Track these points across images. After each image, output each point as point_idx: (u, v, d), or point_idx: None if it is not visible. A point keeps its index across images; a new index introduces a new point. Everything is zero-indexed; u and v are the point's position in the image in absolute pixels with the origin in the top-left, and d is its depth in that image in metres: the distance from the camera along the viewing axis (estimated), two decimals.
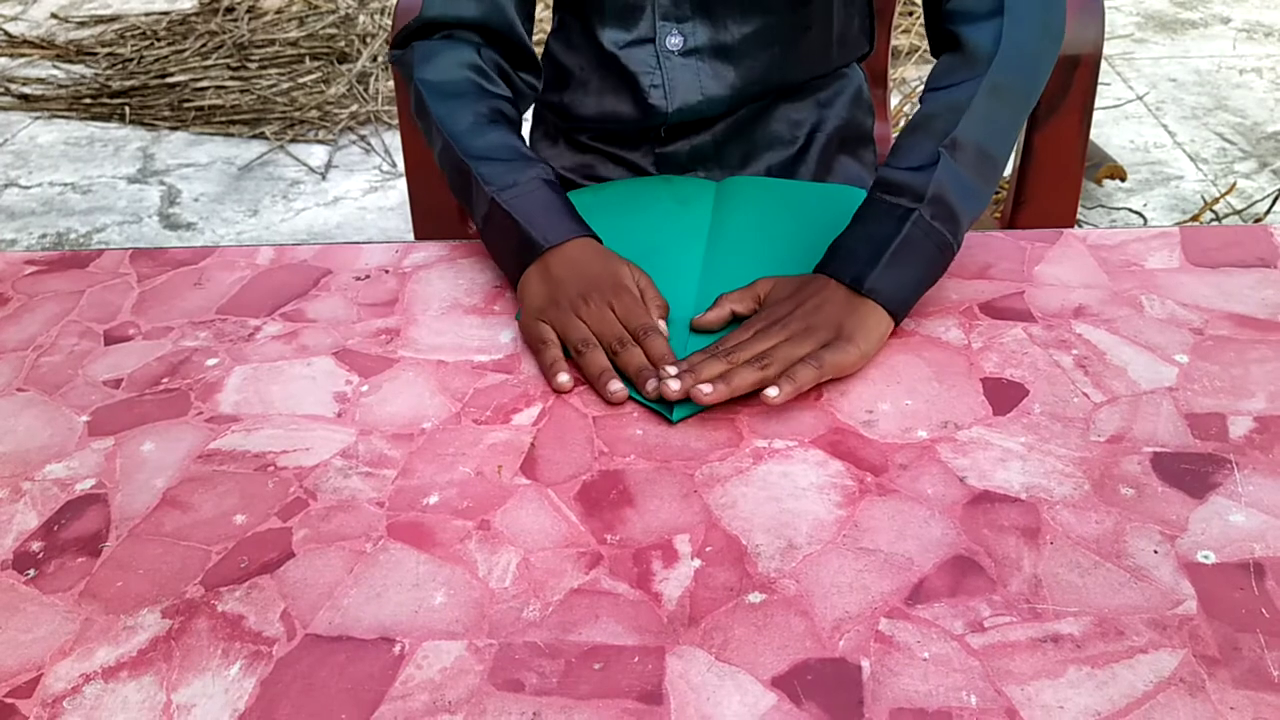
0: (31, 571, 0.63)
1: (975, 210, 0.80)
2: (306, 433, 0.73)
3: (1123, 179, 2.36)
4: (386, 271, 0.91)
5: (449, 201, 1.23)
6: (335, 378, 0.78)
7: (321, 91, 2.98)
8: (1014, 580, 0.59)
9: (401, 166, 2.63)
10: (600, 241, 0.85)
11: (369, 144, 2.78)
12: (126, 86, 3.04)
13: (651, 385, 0.72)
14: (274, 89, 2.98)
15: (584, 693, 0.54)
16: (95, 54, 3.26)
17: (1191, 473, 0.65)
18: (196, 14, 3.44)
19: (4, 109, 3.03)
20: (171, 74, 3.08)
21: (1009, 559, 0.60)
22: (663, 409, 0.72)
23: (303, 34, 3.24)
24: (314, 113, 2.88)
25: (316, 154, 2.74)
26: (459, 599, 0.59)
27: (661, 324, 0.78)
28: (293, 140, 2.80)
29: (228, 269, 0.92)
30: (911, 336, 0.79)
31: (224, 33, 3.26)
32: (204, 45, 3.22)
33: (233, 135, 2.84)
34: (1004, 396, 0.72)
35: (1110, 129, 2.66)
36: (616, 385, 0.73)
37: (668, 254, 0.89)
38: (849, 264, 0.77)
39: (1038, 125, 1.12)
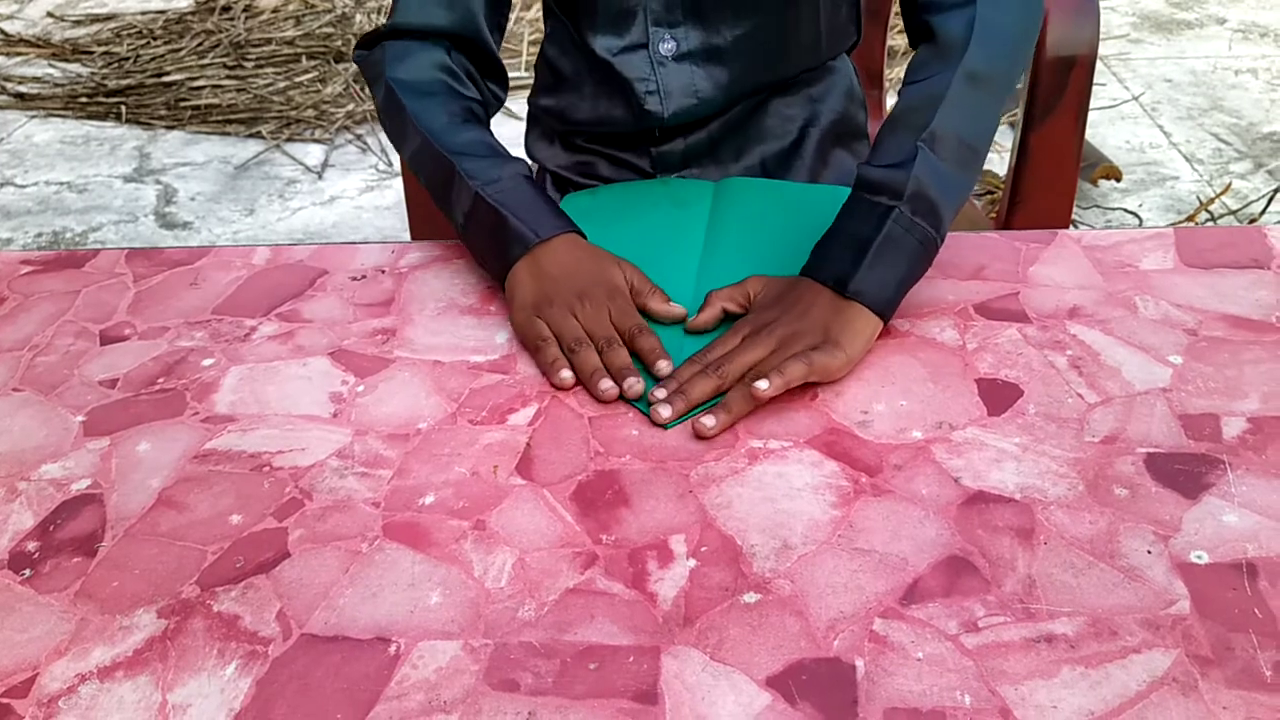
0: (27, 571, 0.63)
1: (957, 201, 0.80)
2: (302, 433, 0.73)
3: (1118, 179, 2.37)
4: (382, 271, 0.91)
5: None
6: (331, 378, 0.78)
7: (318, 91, 2.98)
8: (1008, 580, 0.59)
9: (397, 166, 2.63)
10: (585, 237, 0.85)
11: (365, 143, 2.77)
12: (122, 85, 3.04)
13: (629, 384, 0.74)
14: (270, 88, 2.98)
15: (579, 692, 0.54)
16: (91, 53, 3.26)
17: (1185, 473, 0.66)
18: (193, 13, 3.44)
19: (0, 108, 3.03)
20: (168, 73, 3.08)
21: (1003, 559, 0.60)
22: (647, 411, 0.73)
23: (299, 33, 3.24)
24: (310, 112, 2.88)
25: (313, 153, 2.74)
26: (454, 599, 0.59)
27: (673, 307, 0.81)
28: (289, 139, 2.80)
29: (224, 269, 0.92)
30: (906, 337, 0.79)
31: (220, 32, 3.26)
32: (200, 44, 3.21)
33: (229, 134, 2.84)
34: (998, 397, 0.73)
35: (1106, 129, 2.67)
36: (607, 384, 0.74)
37: (665, 257, 0.90)
38: (832, 266, 0.77)
39: (1033, 126, 1.12)
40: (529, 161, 0.90)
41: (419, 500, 0.66)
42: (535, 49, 3.06)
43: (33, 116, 2.99)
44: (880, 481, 0.66)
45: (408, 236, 1.27)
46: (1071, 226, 1.12)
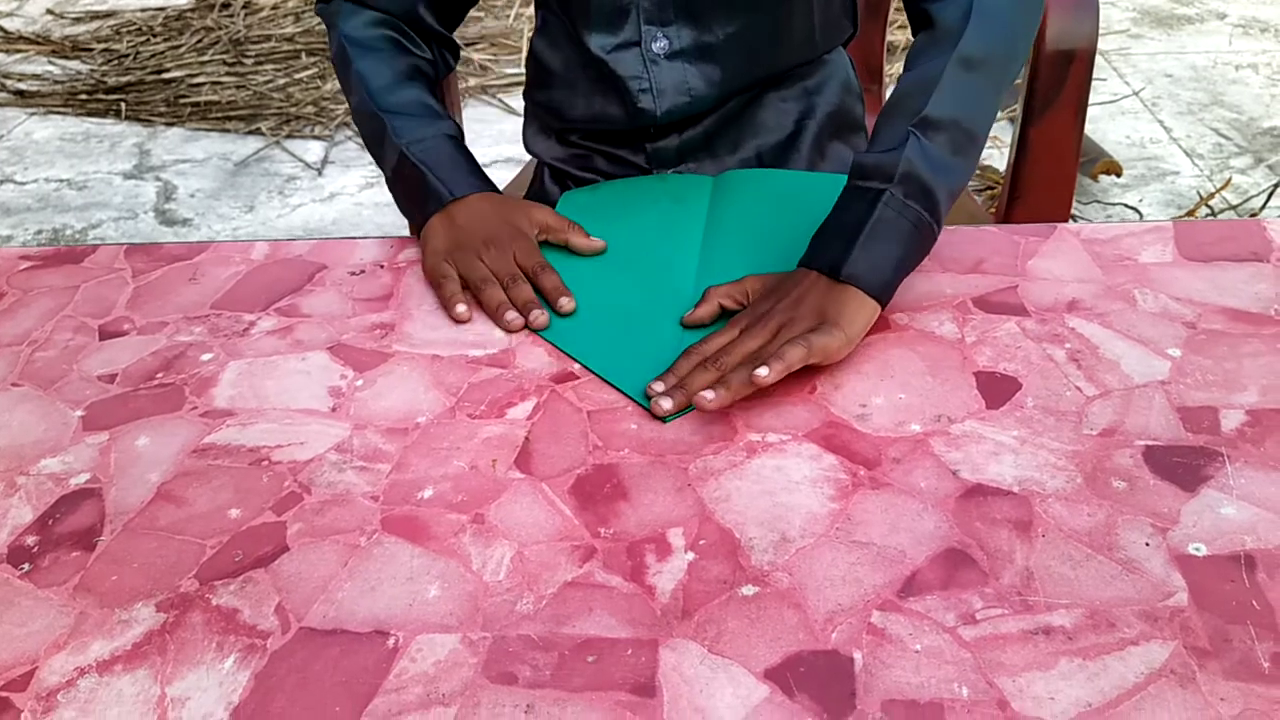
0: (26, 565, 0.63)
1: (953, 185, 0.79)
2: (301, 427, 0.73)
3: (1118, 174, 2.37)
4: (381, 266, 0.91)
5: None
6: (330, 372, 0.78)
7: (318, 87, 2.97)
8: (1006, 573, 0.59)
9: None
10: (500, 193, 0.91)
11: None
12: (122, 82, 3.04)
13: (534, 316, 0.81)
14: (270, 85, 2.98)
15: (577, 685, 0.54)
16: (91, 50, 3.26)
17: (1183, 466, 0.66)
18: (192, 10, 3.43)
19: (0, 105, 3.03)
20: (167, 70, 3.08)
21: (1001, 552, 0.60)
22: (648, 405, 0.73)
23: (299, 29, 3.24)
24: (310, 108, 2.87)
25: (313, 150, 2.74)
26: (453, 592, 0.60)
27: (593, 241, 0.89)
28: (289, 136, 2.80)
29: (222, 264, 0.92)
30: (905, 330, 0.79)
31: (220, 28, 3.26)
32: (200, 41, 3.21)
33: (229, 131, 2.84)
34: (997, 390, 0.73)
35: (1106, 124, 2.67)
36: (512, 315, 0.81)
37: (665, 252, 0.90)
38: (825, 253, 0.78)
39: (1032, 120, 1.12)
40: (458, 124, 0.97)
41: (418, 494, 0.67)
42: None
43: (32, 113, 2.98)
44: (878, 474, 0.66)
45: (406, 233, 1.27)
46: (1071, 221, 1.12)
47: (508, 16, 3.35)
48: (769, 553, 0.61)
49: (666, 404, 0.71)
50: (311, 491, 0.67)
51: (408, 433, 0.72)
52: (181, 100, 2.94)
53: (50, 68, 3.21)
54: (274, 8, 3.39)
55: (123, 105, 2.95)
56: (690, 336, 0.79)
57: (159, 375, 0.79)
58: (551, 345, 0.80)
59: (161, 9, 3.48)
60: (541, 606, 0.58)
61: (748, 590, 0.59)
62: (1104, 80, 2.88)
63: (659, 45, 0.98)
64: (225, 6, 3.42)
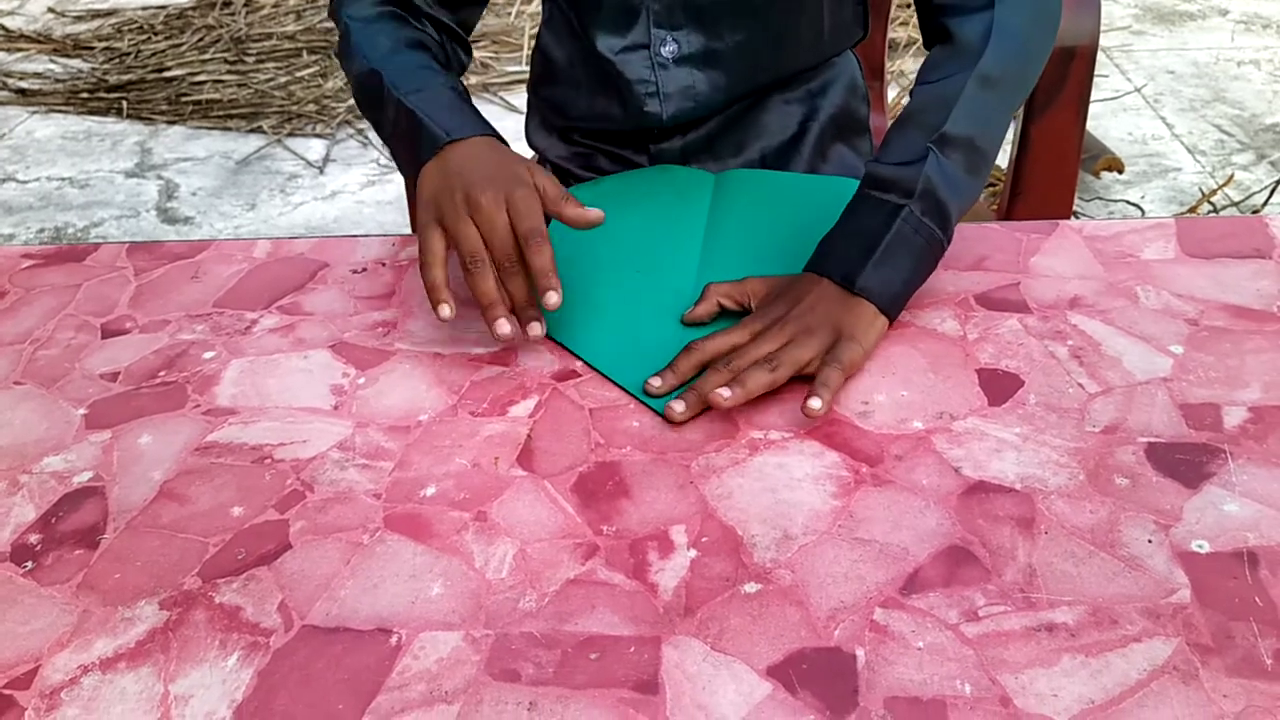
0: (29, 564, 0.63)
1: (965, 204, 0.80)
2: (303, 425, 0.73)
3: (1120, 171, 2.36)
4: (383, 264, 0.91)
5: None
6: (332, 370, 0.78)
7: (319, 85, 2.97)
8: (1008, 570, 0.59)
9: None
10: (505, 144, 0.83)
11: (366, 138, 2.77)
12: (124, 81, 3.04)
13: (532, 328, 0.74)
14: (271, 83, 2.98)
15: (580, 682, 0.54)
16: (92, 48, 3.26)
17: (1186, 463, 0.66)
18: (193, 8, 3.43)
19: (1, 104, 3.03)
20: (169, 68, 3.08)
21: (1004, 549, 0.60)
22: (654, 405, 0.72)
23: (300, 28, 3.24)
24: (311, 107, 2.87)
25: (314, 148, 2.74)
26: (456, 590, 0.60)
27: (587, 212, 0.78)
28: (290, 134, 2.80)
29: (224, 262, 0.92)
30: (907, 328, 0.79)
31: (221, 27, 3.26)
32: (201, 39, 3.21)
33: (230, 129, 2.84)
34: (999, 387, 0.73)
35: (1108, 121, 2.66)
36: (504, 330, 0.74)
37: (666, 247, 0.90)
38: (839, 262, 0.77)
39: (1034, 117, 1.12)
40: (463, 85, 0.90)
41: (420, 492, 0.67)
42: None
43: (34, 112, 2.99)
44: (881, 472, 0.66)
45: (408, 230, 1.27)
46: (1073, 218, 1.12)
47: (509, 14, 3.34)
48: (771, 550, 0.61)
49: (680, 407, 0.71)
50: (314, 489, 0.67)
51: (410, 430, 0.72)
52: (183, 98, 2.94)
53: (52, 66, 3.21)
54: (275, 5, 3.39)
55: (124, 104, 2.95)
56: (690, 334, 0.79)
57: (161, 373, 0.79)
58: (554, 343, 0.80)
59: (163, 7, 3.48)
60: (544, 604, 0.59)
61: (750, 588, 0.59)
62: (1106, 77, 2.88)
63: (668, 49, 0.98)
64: (227, 4, 3.42)
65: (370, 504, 0.66)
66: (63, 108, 2.98)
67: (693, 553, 0.61)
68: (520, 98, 2.88)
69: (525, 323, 0.75)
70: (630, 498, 0.65)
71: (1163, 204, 2.33)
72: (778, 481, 0.66)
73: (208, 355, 0.80)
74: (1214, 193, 2.27)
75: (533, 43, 1.00)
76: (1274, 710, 0.51)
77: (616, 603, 0.58)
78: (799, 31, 1.00)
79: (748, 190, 0.97)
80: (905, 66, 2.89)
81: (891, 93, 2.68)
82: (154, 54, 3.17)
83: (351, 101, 2.88)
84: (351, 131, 2.80)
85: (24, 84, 3.10)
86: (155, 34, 3.30)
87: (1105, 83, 2.83)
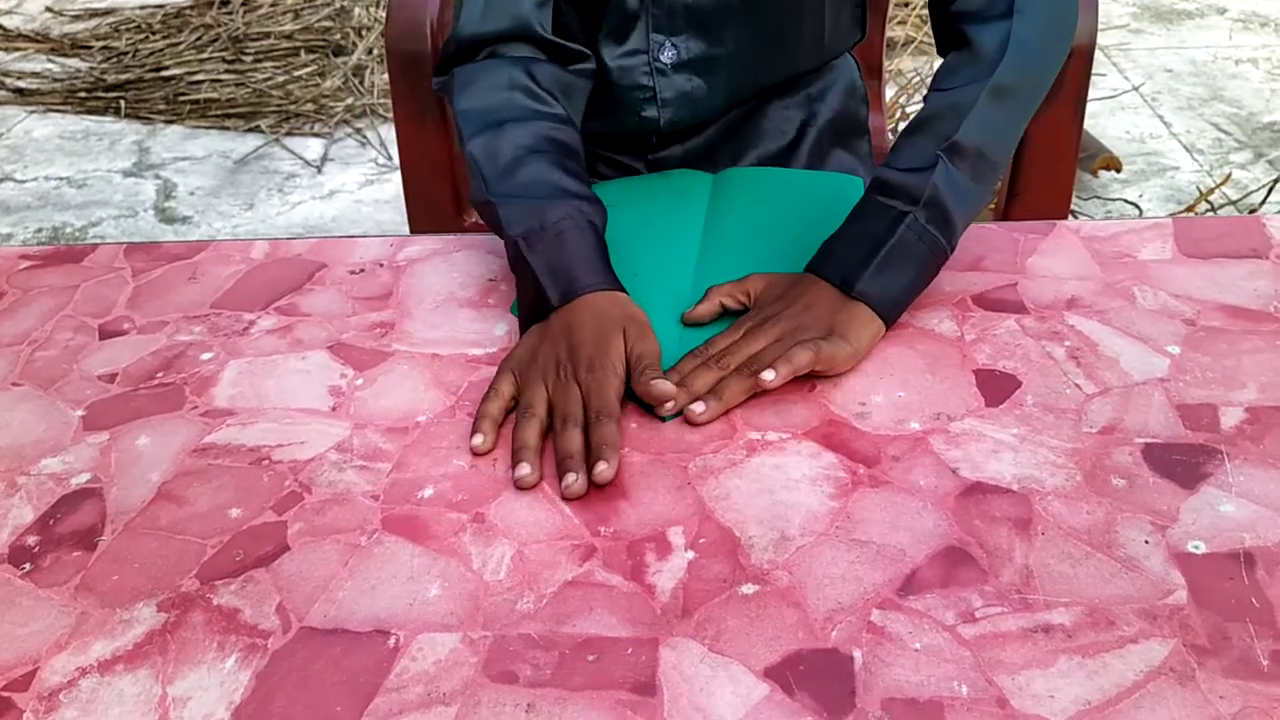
0: (27, 565, 0.63)
1: (970, 213, 0.80)
2: (301, 426, 0.73)
3: (1118, 170, 2.36)
4: (381, 265, 0.91)
5: (444, 195, 1.23)
6: (330, 371, 0.78)
7: (317, 85, 2.97)
8: (1005, 571, 0.59)
9: (397, 160, 2.63)
10: (619, 288, 0.78)
11: (364, 137, 2.77)
12: (121, 80, 3.03)
13: (571, 480, 0.66)
14: (269, 82, 2.98)
15: (578, 684, 0.54)
16: (90, 48, 3.25)
17: (1182, 463, 0.66)
18: (191, 7, 3.43)
19: None
20: (166, 67, 3.07)
21: (1000, 550, 0.60)
22: (652, 410, 0.73)
23: (298, 27, 3.24)
24: (309, 106, 2.87)
25: (312, 147, 2.74)
26: (453, 591, 0.60)
27: (658, 386, 0.71)
28: (288, 134, 2.79)
29: (222, 263, 0.92)
30: (904, 329, 0.79)
31: (219, 26, 3.25)
32: (199, 38, 3.21)
33: (228, 129, 2.83)
34: (996, 388, 0.73)
35: (1106, 120, 2.66)
36: (523, 472, 0.67)
37: (663, 247, 0.90)
38: (839, 265, 0.77)
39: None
40: (586, 192, 0.83)
41: (418, 493, 0.67)
42: None
43: (32, 111, 2.98)
44: (878, 473, 0.66)
45: (407, 230, 1.27)
46: (1071, 217, 1.12)
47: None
48: (769, 551, 0.61)
49: (670, 405, 0.71)
50: (312, 491, 0.67)
51: (408, 432, 0.72)
52: (181, 98, 2.94)
53: (49, 65, 3.21)
54: (273, 5, 3.39)
55: (122, 103, 2.94)
56: (690, 333, 0.79)
57: (159, 375, 0.79)
58: None
59: (160, 6, 3.48)
60: (542, 605, 0.59)
61: (747, 589, 0.59)
62: (1104, 75, 2.88)
63: (667, 55, 0.97)
64: (224, 4, 3.42)
65: (368, 505, 0.66)
66: (60, 107, 2.98)
67: (690, 554, 0.61)
68: None
69: (563, 472, 0.67)
70: (628, 499, 0.65)
71: (1160, 203, 2.33)
72: (775, 483, 0.66)
73: (206, 356, 0.80)
74: (1211, 191, 2.27)
75: None
76: (1270, 711, 0.51)
77: (614, 604, 0.58)
78: (799, 36, 1.00)
79: (745, 189, 0.97)
80: (903, 65, 2.89)
81: (889, 91, 2.67)
82: (152, 53, 3.16)
83: (349, 101, 2.88)
84: (349, 131, 2.80)
85: (21, 83, 3.10)
86: (153, 33, 3.29)
87: (1103, 81, 2.83)
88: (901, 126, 2.56)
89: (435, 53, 1.16)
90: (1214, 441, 0.67)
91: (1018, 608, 0.57)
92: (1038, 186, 1.16)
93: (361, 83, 2.98)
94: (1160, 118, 2.68)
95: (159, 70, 3.07)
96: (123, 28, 3.35)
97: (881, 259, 0.76)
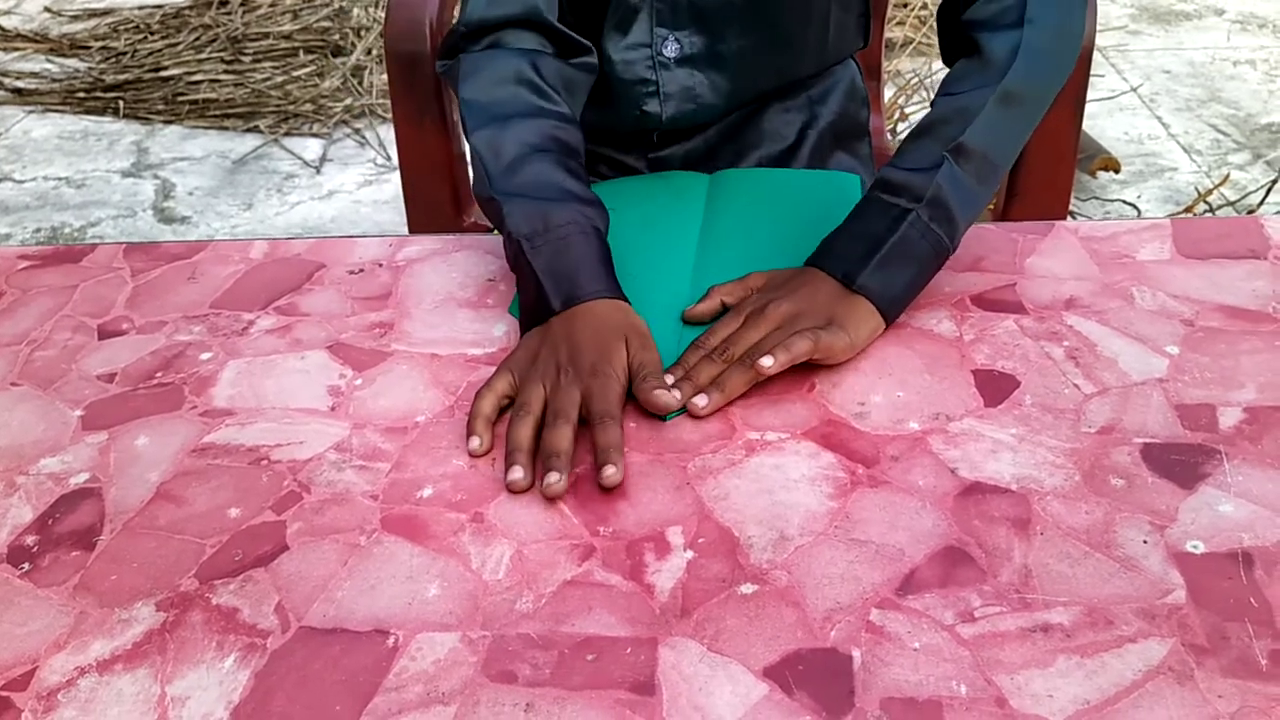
0: (26, 565, 0.63)
1: (973, 214, 0.80)
2: (300, 426, 0.73)
3: (1117, 171, 2.37)
4: (380, 265, 0.91)
5: (443, 195, 1.23)
6: (329, 371, 0.78)
7: (316, 85, 2.97)
8: (1004, 570, 0.59)
9: (396, 160, 2.62)
10: (621, 297, 0.78)
11: (363, 137, 2.77)
12: (120, 80, 3.03)
13: (554, 479, 0.65)
14: (268, 82, 2.98)
15: (577, 684, 0.54)
16: (89, 48, 3.25)
17: (1181, 463, 0.66)
18: (190, 7, 3.43)
19: None
20: (165, 67, 3.07)
21: (999, 549, 0.60)
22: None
23: (296, 27, 3.24)
24: (308, 106, 2.87)
25: (311, 147, 2.74)
26: (452, 591, 0.60)
27: (659, 397, 0.71)
28: (287, 134, 2.79)
29: (221, 263, 0.92)
30: (903, 329, 0.79)
31: (218, 26, 3.25)
32: (198, 39, 3.21)
33: (227, 129, 2.83)
34: (995, 388, 0.73)
35: (1104, 121, 2.67)
36: (515, 475, 0.66)
37: (661, 246, 0.90)
38: (840, 260, 0.77)
39: None
40: (587, 195, 0.82)
41: (417, 493, 0.67)
42: None
43: (30, 111, 2.98)
44: (877, 472, 0.66)
45: (405, 230, 1.27)
46: (1070, 218, 1.12)
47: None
48: (768, 551, 0.61)
49: (675, 395, 0.71)
50: (311, 491, 0.67)
51: (407, 431, 0.72)
52: (179, 98, 2.94)
53: (48, 65, 3.21)
54: (272, 5, 3.39)
55: (121, 103, 2.94)
56: (690, 333, 0.79)
57: (158, 374, 0.79)
58: None
59: (159, 6, 3.48)
60: (541, 605, 0.59)
61: (746, 589, 0.59)
62: (1102, 76, 2.88)
63: (670, 49, 0.97)
64: (223, 4, 3.42)
65: (367, 505, 0.66)
66: (59, 107, 2.98)
67: (689, 554, 0.61)
68: None
69: (547, 469, 0.66)
70: (627, 499, 0.65)
71: (1159, 204, 2.33)
72: (774, 482, 0.66)
73: (205, 356, 0.80)
74: (1210, 192, 2.27)
75: None
76: (1269, 711, 0.51)
77: (613, 604, 0.58)
78: (804, 39, 1.00)
79: (743, 188, 0.97)
80: (901, 66, 2.90)
81: (888, 92, 2.67)
82: (150, 53, 3.16)
83: (348, 101, 2.88)
84: (348, 131, 2.80)
85: (20, 83, 3.10)
86: (152, 33, 3.29)
87: (1101, 82, 2.84)
88: (900, 128, 2.57)
89: (434, 53, 1.15)
90: (1212, 442, 0.67)
91: (1016, 607, 0.57)
92: (1036, 187, 1.16)
93: (360, 83, 2.98)
94: (1158, 119, 2.68)
95: (158, 70, 3.07)
96: (121, 28, 3.35)
97: (883, 255, 0.76)
